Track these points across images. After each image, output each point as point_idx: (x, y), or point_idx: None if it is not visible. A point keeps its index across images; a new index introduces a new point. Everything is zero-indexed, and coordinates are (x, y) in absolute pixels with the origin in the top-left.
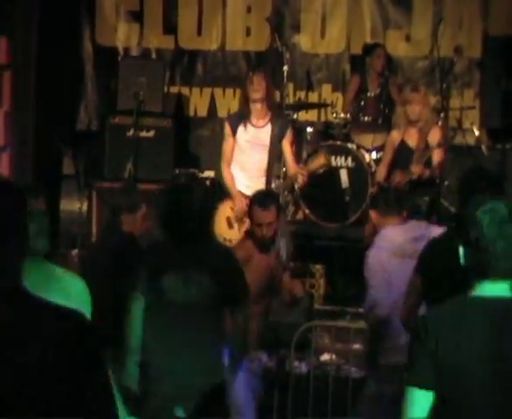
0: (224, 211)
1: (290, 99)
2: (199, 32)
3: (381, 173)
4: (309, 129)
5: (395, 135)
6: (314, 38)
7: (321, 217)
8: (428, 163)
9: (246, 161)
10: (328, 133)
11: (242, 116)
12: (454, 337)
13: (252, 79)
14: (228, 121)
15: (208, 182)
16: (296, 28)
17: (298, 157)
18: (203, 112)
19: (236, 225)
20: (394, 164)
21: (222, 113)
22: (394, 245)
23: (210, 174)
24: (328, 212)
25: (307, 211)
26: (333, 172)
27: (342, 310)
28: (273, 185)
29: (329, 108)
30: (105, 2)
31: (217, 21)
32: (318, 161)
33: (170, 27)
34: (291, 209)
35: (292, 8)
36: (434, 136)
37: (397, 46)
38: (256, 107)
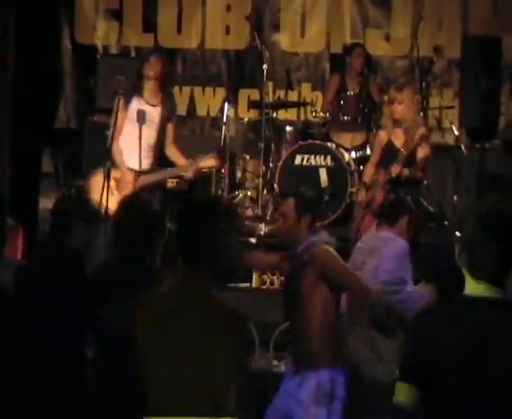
0: (101, 180)
1: (270, 98)
2: (179, 31)
3: (368, 173)
4: (289, 128)
5: (382, 135)
6: (293, 37)
7: None
8: (409, 163)
9: (133, 133)
10: (307, 133)
11: (135, 90)
12: (444, 338)
13: (148, 58)
14: (120, 96)
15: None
16: (276, 27)
17: (278, 156)
18: (182, 110)
19: (116, 194)
20: (381, 164)
21: (201, 111)
22: None
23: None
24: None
25: None
26: (312, 171)
27: None
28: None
29: (309, 107)
30: (84, 0)
31: (196, 19)
32: (208, 162)
33: (150, 25)
34: (270, 208)
35: (271, 7)
36: (418, 134)
37: (377, 46)
38: (149, 84)
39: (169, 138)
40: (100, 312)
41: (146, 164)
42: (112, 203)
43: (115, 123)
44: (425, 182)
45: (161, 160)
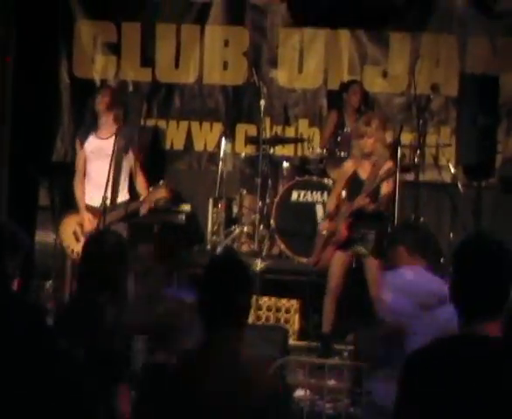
0: (72, 225)
1: (267, 134)
2: (176, 65)
3: (331, 204)
4: (285, 164)
5: (348, 166)
6: (291, 73)
7: (297, 252)
8: (376, 197)
9: (92, 170)
10: (304, 168)
11: (89, 129)
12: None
13: (98, 94)
14: (78, 136)
15: (184, 216)
16: (273, 63)
17: (274, 192)
18: (179, 145)
19: (83, 239)
20: (346, 195)
21: (199, 146)
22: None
23: (186, 207)
24: (304, 247)
25: (282, 246)
26: (309, 207)
27: (317, 346)
28: (120, 199)
29: (306, 143)
30: (82, 33)
31: (194, 54)
32: (159, 193)
33: (148, 60)
34: (266, 243)
35: (269, 43)
36: (385, 169)
37: (375, 82)
38: (100, 119)
39: (132, 168)
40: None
41: (110, 199)
42: (79, 248)
43: (76, 167)
44: (421, 219)
45: (131, 191)
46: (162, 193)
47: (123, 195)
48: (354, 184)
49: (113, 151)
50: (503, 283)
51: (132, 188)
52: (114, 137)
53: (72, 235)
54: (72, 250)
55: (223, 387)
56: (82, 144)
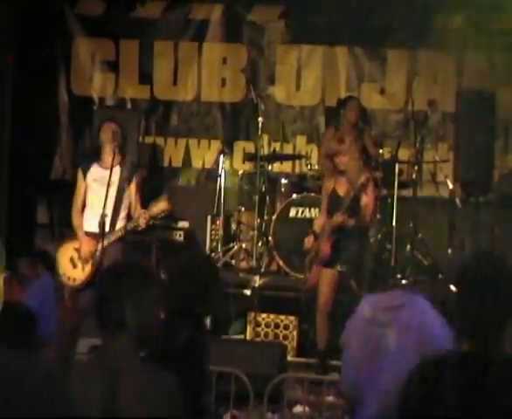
0: (69, 251)
1: (265, 151)
2: (175, 83)
3: (319, 221)
4: (283, 181)
5: (327, 184)
6: (289, 90)
7: (295, 269)
8: (353, 211)
9: (93, 199)
10: (302, 185)
11: (92, 159)
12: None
13: (102, 125)
14: (80, 167)
15: (182, 233)
16: (271, 80)
17: (272, 208)
18: (177, 162)
19: (80, 265)
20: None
21: (197, 163)
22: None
23: (184, 224)
24: (302, 263)
25: (280, 263)
26: (307, 223)
27: (315, 362)
28: (118, 226)
29: (304, 160)
30: (80, 51)
31: (192, 72)
32: (160, 206)
33: (146, 77)
34: (265, 259)
35: (267, 60)
36: (360, 182)
37: (372, 99)
38: (105, 150)
39: (132, 198)
40: None
41: (109, 226)
42: (77, 274)
43: (76, 196)
44: (419, 235)
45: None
46: (163, 205)
47: (122, 224)
48: (333, 201)
49: (120, 179)
50: (507, 302)
51: (129, 218)
52: (118, 167)
53: (69, 261)
54: (69, 277)
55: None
56: (85, 174)
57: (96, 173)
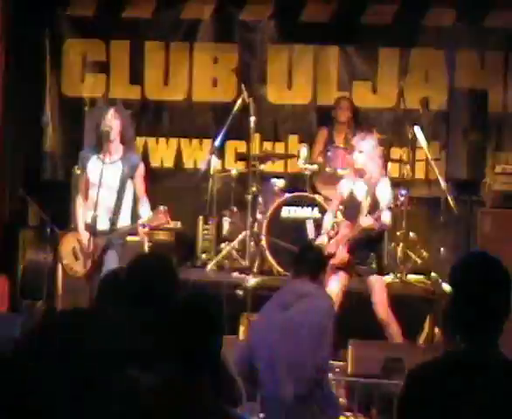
0: (70, 242)
1: (257, 150)
2: (166, 83)
3: (328, 223)
4: (276, 180)
5: (343, 185)
6: (280, 89)
7: (288, 268)
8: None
9: (94, 194)
10: (294, 185)
11: (93, 151)
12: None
13: (106, 114)
14: (80, 157)
15: (173, 234)
16: (263, 79)
17: (265, 208)
18: (169, 163)
19: (81, 257)
20: (345, 215)
21: (189, 164)
22: None
23: (176, 224)
24: None
25: (273, 262)
26: (299, 223)
27: None
28: (119, 224)
29: (296, 159)
30: (71, 52)
31: (183, 72)
32: (158, 220)
33: (137, 78)
34: (257, 260)
35: (259, 59)
36: (383, 195)
37: (364, 98)
38: (106, 142)
39: (136, 192)
40: None
41: (111, 222)
42: (78, 267)
43: (77, 190)
44: (411, 233)
45: (133, 214)
46: (161, 219)
47: (124, 222)
48: (351, 205)
49: (120, 177)
50: (504, 302)
51: (134, 215)
52: (119, 161)
53: (71, 252)
54: (71, 268)
55: None
56: (85, 166)
57: (96, 167)
